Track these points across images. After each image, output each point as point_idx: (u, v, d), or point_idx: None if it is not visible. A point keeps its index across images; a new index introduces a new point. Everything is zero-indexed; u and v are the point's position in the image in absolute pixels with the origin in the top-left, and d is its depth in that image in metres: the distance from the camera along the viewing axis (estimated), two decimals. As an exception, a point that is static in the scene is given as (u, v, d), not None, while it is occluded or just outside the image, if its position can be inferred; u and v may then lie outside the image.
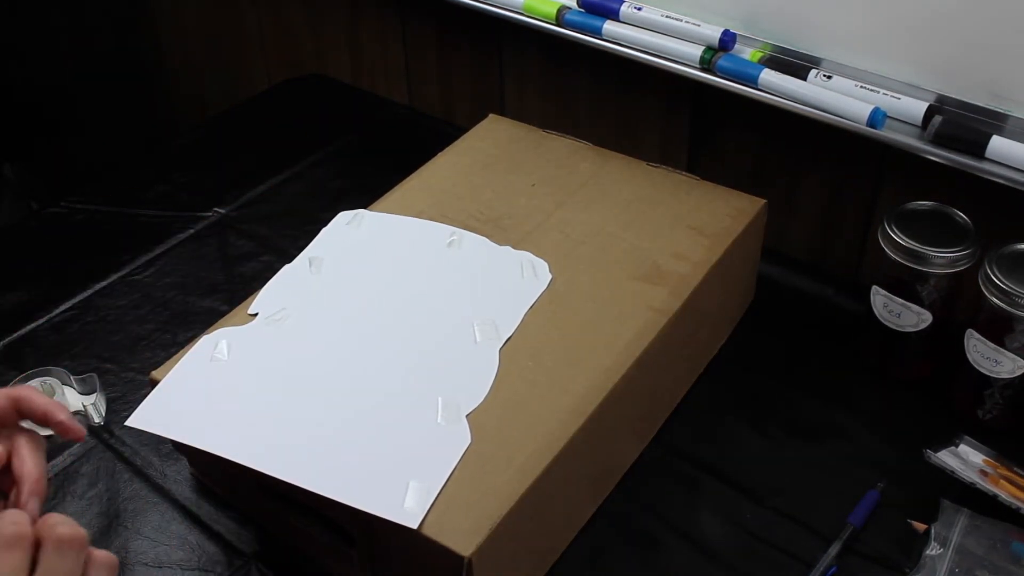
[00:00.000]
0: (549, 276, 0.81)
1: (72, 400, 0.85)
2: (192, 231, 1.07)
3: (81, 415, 0.84)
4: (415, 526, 0.63)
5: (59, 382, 0.85)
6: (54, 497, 0.79)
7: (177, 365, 0.74)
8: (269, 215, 1.09)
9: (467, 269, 0.82)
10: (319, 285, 0.82)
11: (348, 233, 0.87)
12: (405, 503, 0.64)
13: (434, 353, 0.75)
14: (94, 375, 0.85)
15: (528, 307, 0.78)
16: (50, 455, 0.82)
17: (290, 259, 0.85)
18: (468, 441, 0.68)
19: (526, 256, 0.83)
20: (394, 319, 0.78)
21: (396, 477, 0.65)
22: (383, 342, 0.76)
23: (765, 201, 0.90)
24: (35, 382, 0.85)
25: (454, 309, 0.78)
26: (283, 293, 0.81)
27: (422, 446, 0.68)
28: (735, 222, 0.87)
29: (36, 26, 1.60)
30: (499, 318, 0.77)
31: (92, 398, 0.84)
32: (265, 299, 0.80)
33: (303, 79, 1.39)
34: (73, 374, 0.86)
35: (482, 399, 0.71)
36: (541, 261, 0.82)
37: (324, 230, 0.87)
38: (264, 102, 1.35)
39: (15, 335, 0.94)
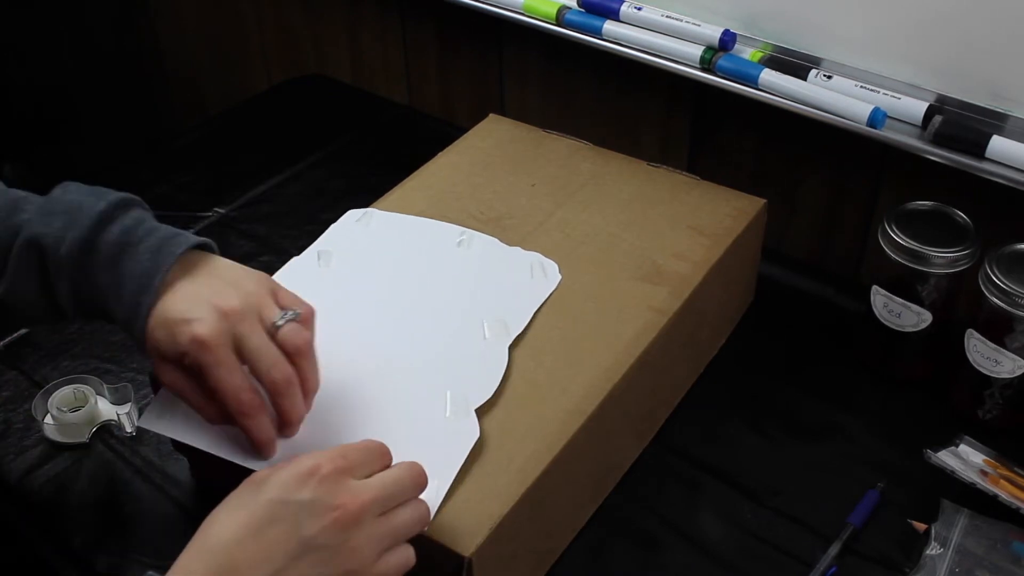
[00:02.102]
0: (559, 277, 0.81)
1: (105, 410, 0.85)
2: (192, 231, 1.07)
3: (114, 424, 0.84)
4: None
5: (92, 391, 0.85)
6: (56, 494, 0.79)
7: None
8: (269, 215, 1.09)
9: (476, 269, 0.82)
10: (327, 280, 0.82)
11: (356, 231, 0.87)
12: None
13: (442, 350, 0.75)
14: (128, 385, 0.84)
15: (537, 306, 0.78)
16: (50, 456, 0.82)
17: (290, 259, 0.85)
18: (477, 435, 0.68)
19: (536, 256, 0.83)
20: (402, 316, 0.78)
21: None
22: (390, 339, 0.76)
23: (765, 201, 0.90)
24: (67, 389, 0.85)
25: (463, 308, 0.78)
26: (290, 287, 0.81)
27: (431, 442, 0.68)
28: (735, 222, 0.87)
29: (36, 26, 1.60)
30: (508, 316, 0.77)
31: (126, 408, 0.84)
32: None
33: (303, 79, 1.39)
34: (76, 374, 0.87)
35: (491, 393, 0.71)
36: (551, 262, 0.82)
37: (332, 227, 0.87)
38: (264, 102, 1.35)
39: (15, 335, 0.94)
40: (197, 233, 1.03)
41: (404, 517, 0.59)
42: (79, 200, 0.67)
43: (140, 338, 0.65)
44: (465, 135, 1.00)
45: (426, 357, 0.74)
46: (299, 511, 0.55)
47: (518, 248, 0.84)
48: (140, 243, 0.66)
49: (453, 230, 0.86)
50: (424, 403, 0.70)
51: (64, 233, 0.65)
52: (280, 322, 0.65)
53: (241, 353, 0.63)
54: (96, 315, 0.68)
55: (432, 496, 0.64)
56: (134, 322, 0.64)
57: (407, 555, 0.59)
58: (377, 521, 0.58)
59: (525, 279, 0.81)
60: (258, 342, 0.63)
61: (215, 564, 0.55)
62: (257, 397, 0.63)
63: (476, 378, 0.72)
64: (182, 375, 0.64)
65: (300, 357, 0.65)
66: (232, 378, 0.62)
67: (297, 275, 0.82)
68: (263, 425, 0.64)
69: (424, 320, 0.78)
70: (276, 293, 0.67)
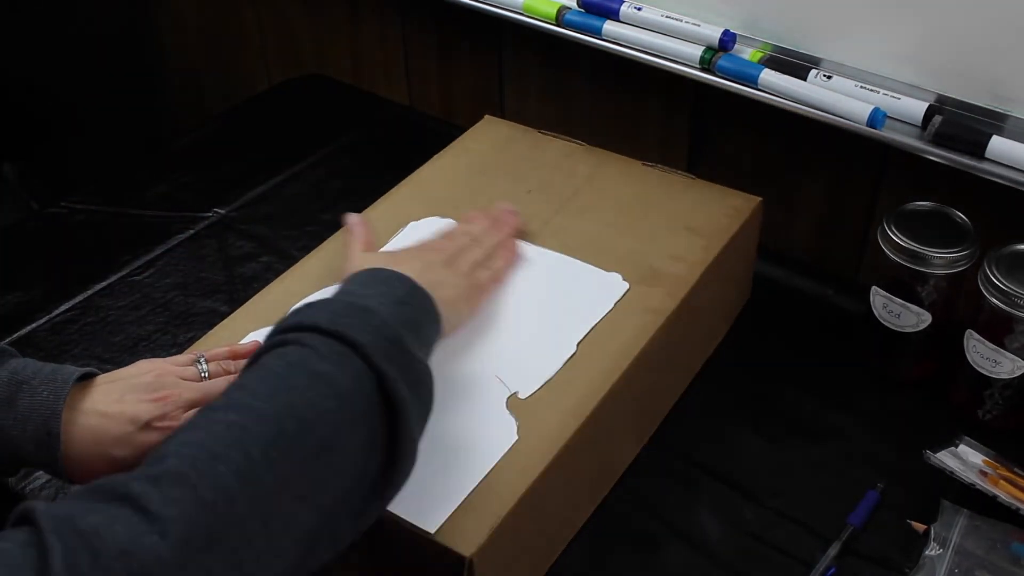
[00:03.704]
0: (625, 286, 0.80)
1: None
2: (192, 232, 1.07)
3: None
4: (432, 531, 0.63)
5: None
6: (54, 498, 0.79)
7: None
8: (269, 215, 1.09)
9: (545, 282, 0.82)
10: None
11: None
12: (425, 506, 0.64)
13: (488, 357, 0.75)
14: None
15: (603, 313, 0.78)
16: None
17: (290, 259, 0.85)
18: (514, 438, 0.69)
19: (600, 272, 0.82)
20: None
21: (422, 478, 0.65)
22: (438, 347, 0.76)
23: (760, 199, 0.89)
24: None
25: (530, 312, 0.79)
26: None
27: (456, 452, 0.68)
28: (731, 221, 0.87)
29: (37, 27, 1.60)
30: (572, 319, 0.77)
31: None
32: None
33: (303, 79, 1.39)
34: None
35: (538, 386, 0.72)
36: (615, 274, 0.82)
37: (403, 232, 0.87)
38: (264, 102, 1.35)
39: (15, 335, 0.94)
40: (196, 233, 1.06)
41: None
42: None
43: (60, 465, 0.64)
44: (460, 138, 1.00)
45: (483, 349, 0.75)
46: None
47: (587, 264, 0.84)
48: (33, 377, 0.66)
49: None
50: (474, 395, 0.71)
51: None
52: (204, 372, 0.70)
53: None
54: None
55: (443, 506, 0.64)
56: (51, 451, 0.64)
57: None
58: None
59: (591, 291, 0.81)
60: (200, 389, 0.68)
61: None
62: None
63: (528, 372, 0.73)
64: None
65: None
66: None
67: None
68: None
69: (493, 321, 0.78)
70: (169, 364, 0.70)
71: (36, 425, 0.64)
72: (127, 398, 0.66)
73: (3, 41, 1.58)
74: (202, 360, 0.71)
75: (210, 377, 0.70)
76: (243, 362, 0.71)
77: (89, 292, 0.99)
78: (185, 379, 0.69)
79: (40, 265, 1.04)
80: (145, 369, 0.69)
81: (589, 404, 0.71)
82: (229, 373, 0.71)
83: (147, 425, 0.65)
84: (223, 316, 0.81)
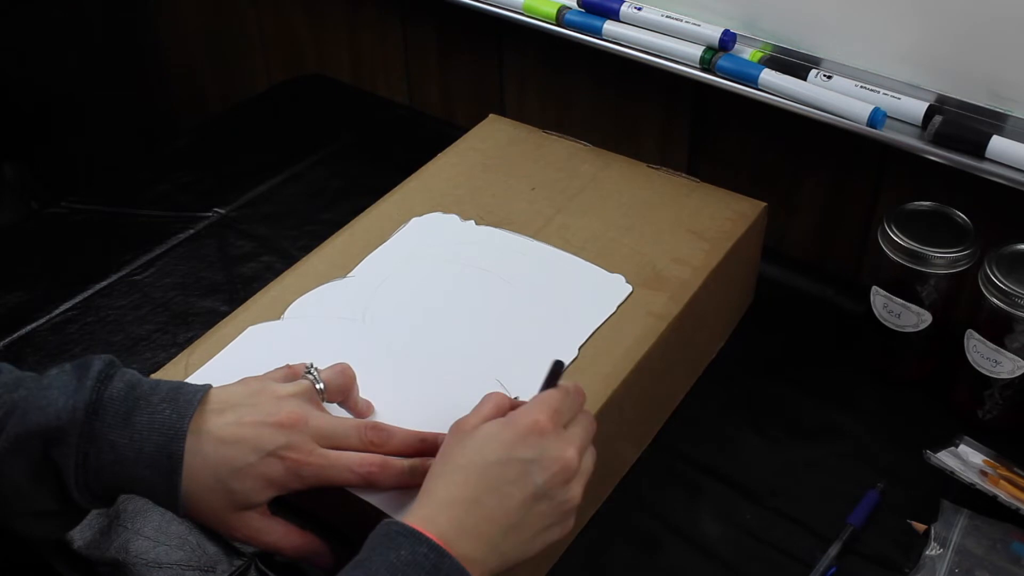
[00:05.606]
0: (628, 288, 0.80)
1: None
2: (192, 231, 1.07)
3: None
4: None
5: None
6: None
7: (244, 333, 0.77)
8: (269, 215, 1.09)
9: (544, 278, 0.82)
10: (399, 276, 0.82)
11: (430, 234, 0.87)
12: None
13: (489, 359, 0.75)
14: None
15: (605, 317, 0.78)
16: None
17: (290, 259, 0.85)
18: None
19: (603, 272, 0.82)
20: (452, 326, 0.78)
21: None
22: (438, 346, 0.76)
23: (765, 204, 0.89)
24: None
25: (518, 318, 0.78)
26: (368, 281, 0.82)
27: None
28: (735, 226, 0.87)
29: (36, 26, 1.60)
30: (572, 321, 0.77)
31: None
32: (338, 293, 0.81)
33: (303, 79, 1.39)
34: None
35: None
36: (617, 276, 0.82)
37: (404, 230, 0.87)
38: (264, 102, 1.35)
39: (15, 335, 0.94)
40: (196, 233, 1.07)
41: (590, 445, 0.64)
42: (66, 373, 0.63)
43: (176, 494, 0.60)
44: (465, 136, 1.00)
45: (484, 350, 0.75)
46: (527, 467, 0.59)
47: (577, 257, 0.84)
48: (151, 394, 0.61)
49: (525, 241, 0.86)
50: (473, 397, 0.71)
51: (61, 401, 0.60)
52: (319, 384, 0.66)
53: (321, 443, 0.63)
54: (103, 493, 0.63)
55: None
56: (169, 476, 0.60)
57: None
58: (583, 462, 0.62)
59: (592, 292, 0.81)
60: (329, 424, 0.64)
61: (456, 521, 0.57)
62: (375, 456, 0.64)
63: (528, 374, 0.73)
64: (262, 517, 0.63)
65: (350, 391, 0.67)
66: (343, 460, 0.62)
67: (361, 284, 0.82)
68: (394, 475, 0.64)
69: (474, 333, 0.78)
70: (279, 376, 0.67)
71: (155, 446, 0.59)
72: (246, 422, 0.61)
73: (3, 41, 1.58)
74: (313, 371, 0.66)
75: (326, 390, 0.66)
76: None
77: (89, 292, 0.99)
78: (295, 395, 0.64)
79: (40, 265, 1.04)
80: (256, 388, 0.64)
81: (590, 410, 0.71)
82: (346, 377, 0.67)
83: (271, 454, 0.60)
84: (223, 316, 0.80)
